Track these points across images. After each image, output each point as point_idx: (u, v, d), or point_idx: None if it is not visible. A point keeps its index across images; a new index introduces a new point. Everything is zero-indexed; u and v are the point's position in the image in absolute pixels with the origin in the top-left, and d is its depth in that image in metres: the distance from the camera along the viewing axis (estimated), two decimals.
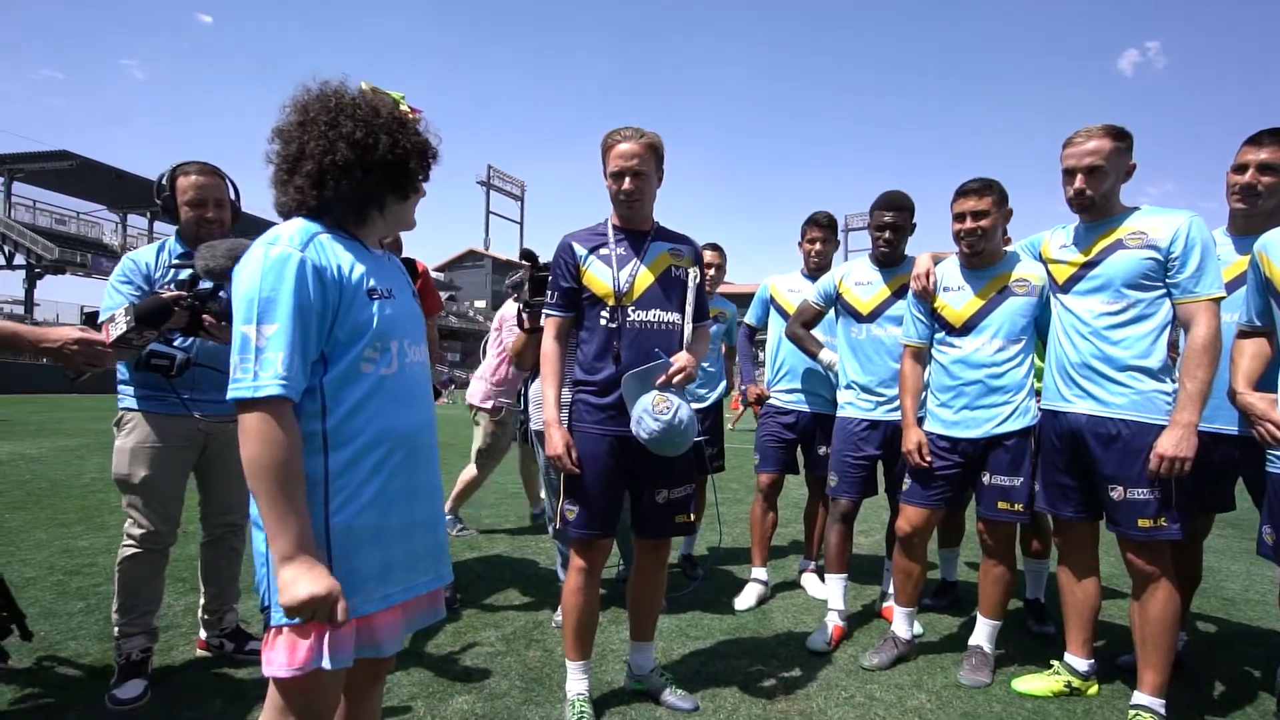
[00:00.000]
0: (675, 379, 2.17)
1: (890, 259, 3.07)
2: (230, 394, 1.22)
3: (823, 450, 3.50)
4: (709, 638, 3.01)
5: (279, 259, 1.25)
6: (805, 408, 3.52)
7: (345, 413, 1.32)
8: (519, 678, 2.54)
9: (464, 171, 71.77)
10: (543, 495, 3.32)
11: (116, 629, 2.38)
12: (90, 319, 2.25)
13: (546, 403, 2.28)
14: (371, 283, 1.36)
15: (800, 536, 4.76)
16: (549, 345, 2.33)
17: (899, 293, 3.01)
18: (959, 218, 2.55)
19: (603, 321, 2.27)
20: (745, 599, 3.43)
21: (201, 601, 2.70)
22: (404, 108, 1.48)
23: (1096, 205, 2.30)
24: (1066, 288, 2.40)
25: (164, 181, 2.44)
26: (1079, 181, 2.27)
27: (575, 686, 2.32)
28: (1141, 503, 2.19)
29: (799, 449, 3.63)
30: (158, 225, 40.00)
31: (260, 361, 1.21)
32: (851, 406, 3.09)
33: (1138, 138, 2.30)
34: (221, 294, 2.19)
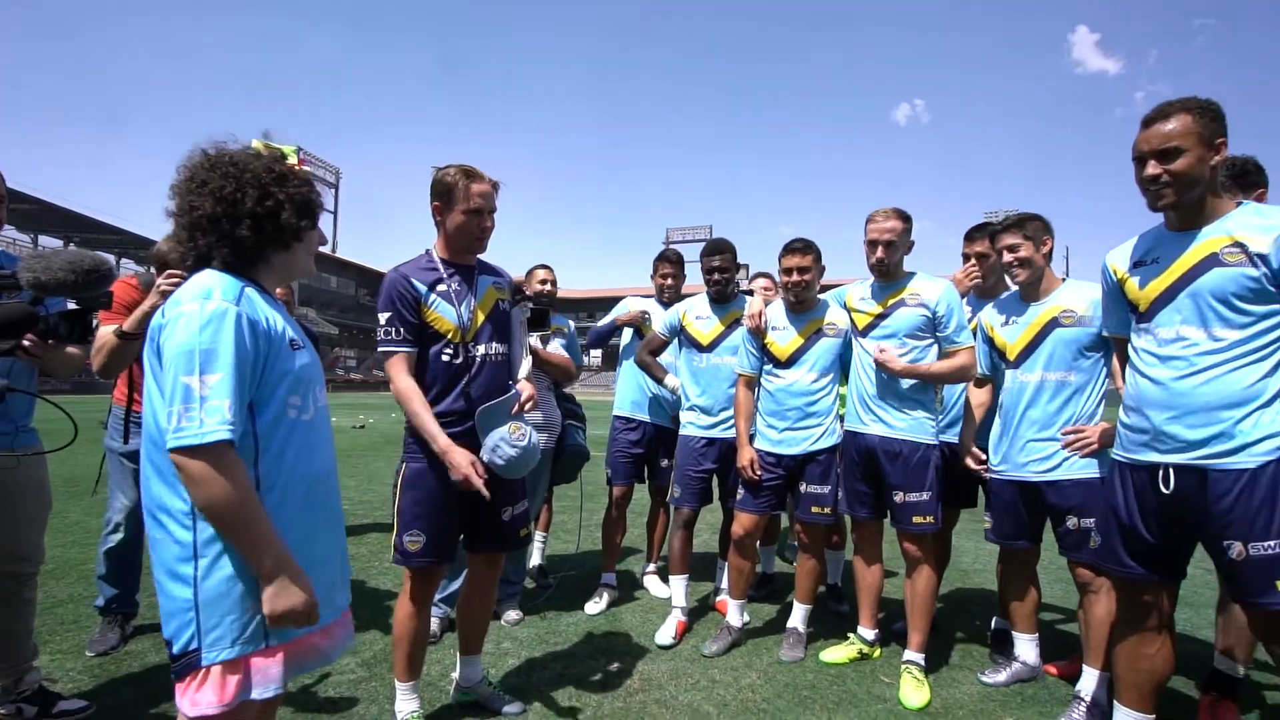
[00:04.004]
0: (527, 407, 2.37)
1: (723, 296, 3.53)
2: (173, 443, 1.27)
3: (664, 463, 3.89)
4: (567, 642, 3.24)
5: (216, 313, 1.34)
6: (646, 416, 3.88)
7: (274, 456, 1.42)
8: (388, 701, 2.56)
9: None
10: None
11: None
12: None
13: (434, 433, 2.20)
14: (290, 334, 1.48)
15: (635, 540, 5.15)
16: (408, 383, 2.24)
17: (731, 326, 3.49)
18: (787, 272, 3.06)
19: (446, 358, 2.29)
20: (598, 603, 3.70)
21: None
22: (291, 160, 1.57)
23: (889, 270, 2.94)
24: (864, 333, 3.02)
25: None
26: (881, 253, 2.87)
27: (408, 706, 2.40)
28: (914, 504, 2.85)
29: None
30: None
31: (205, 409, 1.28)
32: (693, 426, 3.51)
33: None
34: (40, 309, 1.98)
